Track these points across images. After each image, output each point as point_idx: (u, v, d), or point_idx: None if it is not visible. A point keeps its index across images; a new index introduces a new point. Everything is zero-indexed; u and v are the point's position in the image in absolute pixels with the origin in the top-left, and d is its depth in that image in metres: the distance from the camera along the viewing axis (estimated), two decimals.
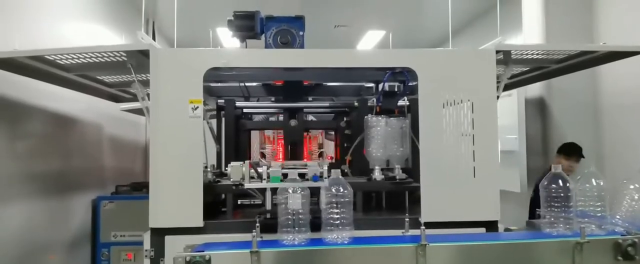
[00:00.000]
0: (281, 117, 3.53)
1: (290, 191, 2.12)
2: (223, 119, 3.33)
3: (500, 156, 2.82)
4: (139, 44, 2.66)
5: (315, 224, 2.47)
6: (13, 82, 3.17)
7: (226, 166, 2.69)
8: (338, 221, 2.11)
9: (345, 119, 3.44)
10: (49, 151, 3.77)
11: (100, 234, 4.40)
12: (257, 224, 2.16)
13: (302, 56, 2.73)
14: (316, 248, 2.09)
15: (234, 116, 3.31)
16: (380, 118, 2.84)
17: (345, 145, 3.34)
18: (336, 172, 2.17)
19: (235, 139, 3.30)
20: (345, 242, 2.08)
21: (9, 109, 3.21)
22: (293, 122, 3.27)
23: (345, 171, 3.07)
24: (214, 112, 3.46)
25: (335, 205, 2.11)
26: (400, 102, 3.17)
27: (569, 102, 4.27)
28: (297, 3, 6.22)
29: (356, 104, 3.21)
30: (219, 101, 3.35)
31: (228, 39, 6.23)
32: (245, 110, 3.55)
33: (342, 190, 2.12)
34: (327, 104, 3.62)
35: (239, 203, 3.18)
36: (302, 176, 2.43)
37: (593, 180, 2.23)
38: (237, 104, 3.36)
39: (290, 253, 2.06)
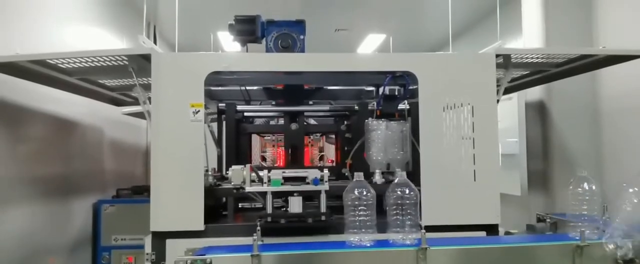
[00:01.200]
0: (281, 121, 3.53)
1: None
2: (224, 122, 3.33)
3: (500, 159, 2.82)
4: (140, 48, 2.67)
5: (318, 228, 2.49)
6: (14, 86, 3.18)
7: (227, 169, 2.69)
8: (405, 222, 2.16)
9: (345, 122, 3.44)
10: (50, 154, 3.78)
11: (101, 237, 4.39)
12: (258, 228, 2.17)
13: (302, 60, 2.75)
14: (317, 251, 2.09)
15: (235, 119, 3.32)
16: (380, 122, 2.84)
17: (346, 148, 3.34)
18: (402, 174, 2.20)
19: (236, 143, 3.31)
20: (411, 243, 2.10)
21: (10, 112, 3.22)
22: (294, 126, 3.28)
23: (346, 174, 3.08)
24: (215, 116, 3.46)
25: (401, 207, 2.15)
26: (401, 106, 3.18)
27: (569, 105, 4.27)
28: (297, 7, 6.24)
29: (356, 107, 3.22)
30: (219, 104, 3.35)
31: (229, 43, 6.28)
32: (246, 114, 3.55)
33: (407, 192, 2.16)
34: (327, 107, 3.62)
35: (239, 206, 3.19)
36: (302, 179, 2.45)
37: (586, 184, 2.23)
38: (238, 108, 3.37)
39: (291, 256, 2.07)
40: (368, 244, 2.10)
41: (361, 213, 2.14)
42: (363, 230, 2.14)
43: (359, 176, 2.24)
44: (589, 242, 2.09)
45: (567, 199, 2.25)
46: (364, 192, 2.16)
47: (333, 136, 4.27)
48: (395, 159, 2.85)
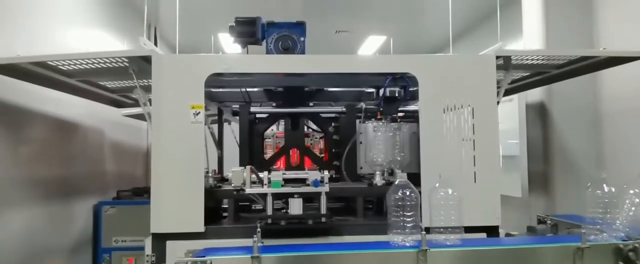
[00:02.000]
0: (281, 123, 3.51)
1: None
2: (235, 124, 3.31)
3: (501, 160, 2.82)
4: (141, 50, 2.67)
5: (318, 229, 2.49)
6: (15, 87, 3.18)
7: None
8: (448, 223, 2.18)
9: (332, 124, 3.42)
10: (50, 156, 3.78)
11: (101, 239, 4.39)
12: (258, 230, 2.17)
13: (302, 62, 2.75)
14: (317, 253, 2.09)
15: (249, 121, 3.30)
16: (380, 123, 2.84)
17: (333, 150, 3.33)
18: (440, 177, 2.27)
19: (249, 144, 3.27)
20: (458, 244, 2.12)
21: (11, 114, 3.23)
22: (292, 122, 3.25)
23: (334, 175, 3.07)
24: (215, 117, 3.46)
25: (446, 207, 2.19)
26: (412, 107, 3.17)
27: (569, 107, 4.27)
28: (298, 9, 6.25)
29: (344, 109, 3.21)
30: (233, 106, 3.34)
31: (229, 44, 6.28)
32: (258, 115, 3.53)
33: (450, 192, 2.19)
34: (338, 109, 3.59)
35: (252, 207, 3.18)
36: (303, 181, 2.44)
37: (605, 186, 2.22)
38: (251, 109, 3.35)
39: (291, 258, 2.07)
40: (408, 245, 2.11)
41: (406, 214, 2.16)
42: (407, 231, 2.16)
43: (402, 177, 2.25)
44: (590, 244, 2.09)
45: (587, 201, 2.23)
46: (408, 193, 2.18)
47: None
48: (396, 161, 2.84)
